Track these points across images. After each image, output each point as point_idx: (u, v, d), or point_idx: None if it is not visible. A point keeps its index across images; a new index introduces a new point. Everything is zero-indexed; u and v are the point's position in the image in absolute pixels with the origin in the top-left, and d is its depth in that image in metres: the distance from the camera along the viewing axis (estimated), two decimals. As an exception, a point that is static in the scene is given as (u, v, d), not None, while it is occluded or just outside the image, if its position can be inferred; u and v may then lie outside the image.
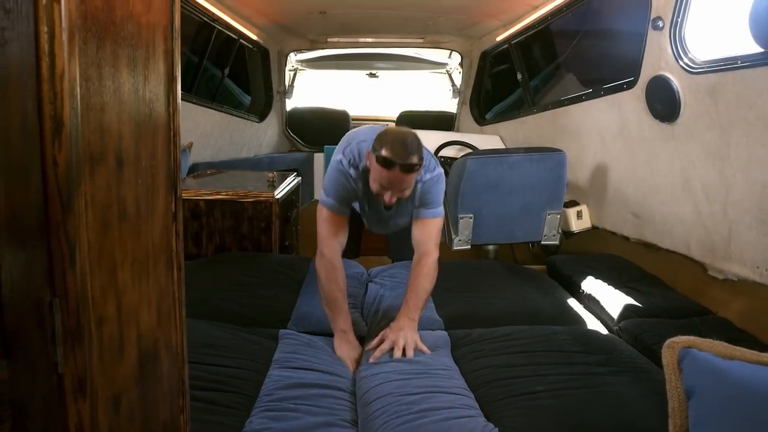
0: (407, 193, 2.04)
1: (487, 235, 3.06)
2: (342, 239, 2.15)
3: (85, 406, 0.69)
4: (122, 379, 0.81)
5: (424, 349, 1.86)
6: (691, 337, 1.04)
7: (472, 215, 3.01)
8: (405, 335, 1.87)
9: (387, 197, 2.01)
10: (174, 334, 1.00)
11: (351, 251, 2.87)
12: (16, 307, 0.59)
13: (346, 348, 1.93)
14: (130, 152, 0.82)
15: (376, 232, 2.65)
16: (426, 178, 2.14)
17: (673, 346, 1.04)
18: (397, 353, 1.81)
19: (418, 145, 1.99)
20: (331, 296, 2.02)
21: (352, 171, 2.16)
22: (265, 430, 1.37)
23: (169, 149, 0.96)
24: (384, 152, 1.92)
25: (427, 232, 2.14)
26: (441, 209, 2.17)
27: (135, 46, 0.82)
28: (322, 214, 2.14)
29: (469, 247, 3.10)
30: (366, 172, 2.13)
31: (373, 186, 2.04)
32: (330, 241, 2.10)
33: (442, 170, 2.22)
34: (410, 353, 1.82)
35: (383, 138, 1.98)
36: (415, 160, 1.94)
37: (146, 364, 0.89)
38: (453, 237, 3.06)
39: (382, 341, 1.89)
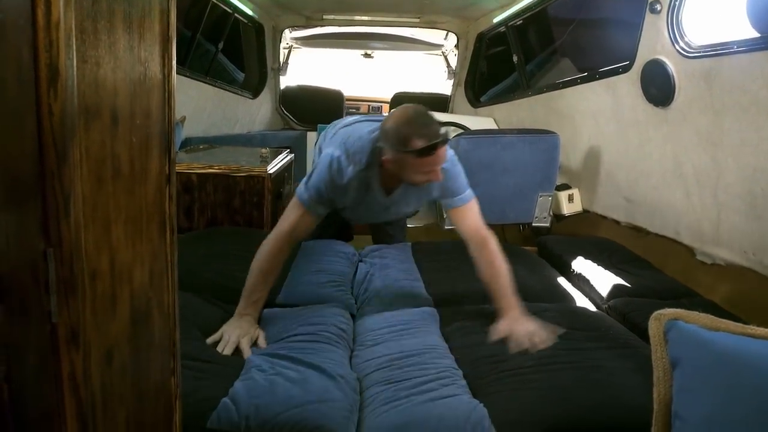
0: (424, 179, 1.95)
1: (483, 216, 3.07)
2: (298, 237, 2.05)
3: (78, 357, 0.69)
4: (115, 334, 0.82)
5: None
6: (678, 310, 1.06)
7: None
8: (534, 333, 1.73)
9: (434, 176, 1.92)
10: (166, 295, 1.01)
11: (346, 235, 2.88)
12: (11, 255, 0.59)
13: (235, 326, 1.76)
14: (125, 109, 0.82)
15: (367, 222, 2.63)
16: (446, 167, 2.00)
17: (659, 317, 1.06)
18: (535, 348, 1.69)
19: (428, 112, 1.93)
20: (254, 282, 1.90)
21: (350, 168, 2.02)
22: (247, 393, 1.39)
23: (163, 110, 0.95)
24: (416, 143, 1.82)
25: (472, 218, 2.07)
26: (470, 190, 2.10)
27: (131, 3, 0.81)
28: (294, 205, 2.02)
29: None
30: (368, 169, 2.04)
31: (415, 178, 1.95)
32: (284, 235, 1.97)
33: (452, 150, 2.13)
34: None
35: (401, 130, 1.87)
36: (441, 128, 1.87)
37: (138, 322, 0.90)
38: (444, 216, 3.07)
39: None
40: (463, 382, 1.55)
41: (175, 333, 1.07)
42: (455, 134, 3.14)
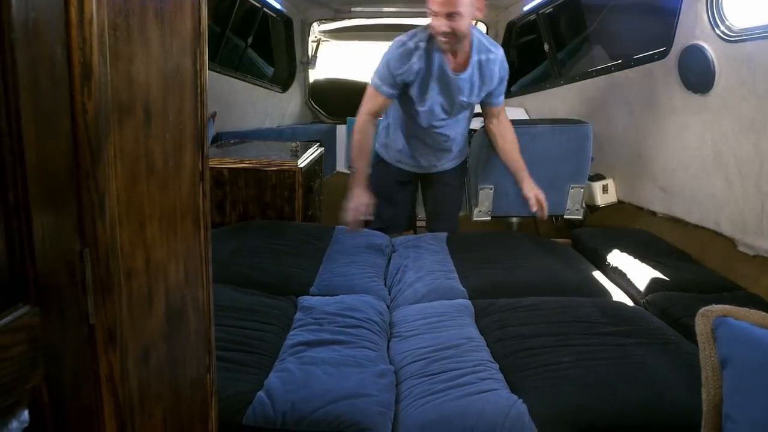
0: (462, 27, 2.26)
1: (508, 207, 3.01)
2: (374, 112, 2.52)
3: (115, 357, 0.69)
4: (151, 333, 0.82)
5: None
6: (727, 306, 1.02)
7: (492, 186, 2.97)
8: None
9: (440, 24, 2.25)
10: (201, 292, 1.01)
11: (403, 223, 2.90)
12: (48, 256, 0.59)
13: (356, 196, 2.42)
14: (158, 106, 0.81)
15: (425, 162, 2.80)
16: (499, 54, 2.51)
17: (707, 314, 1.01)
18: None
19: None
20: (355, 155, 2.53)
21: (413, 40, 2.40)
22: (282, 386, 1.39)
23: (195, 106, 0.95)
24: None
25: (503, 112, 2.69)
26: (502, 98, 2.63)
27: (163, -1, 0.81)
28: (367, 91, 2.52)
29: (490, 218, 3.07)
30: (429, 40, 2.39)
31: (436, 27, 2.28)
32: (363, 114, 2.51)
33: (502, 51, 2.56)
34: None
35: None
36: None
37: (174, 320, 0.90)
38: (473, 208, 3.03)
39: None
40: (500, 375, 1.53)
41: (210, 330, 1.06)
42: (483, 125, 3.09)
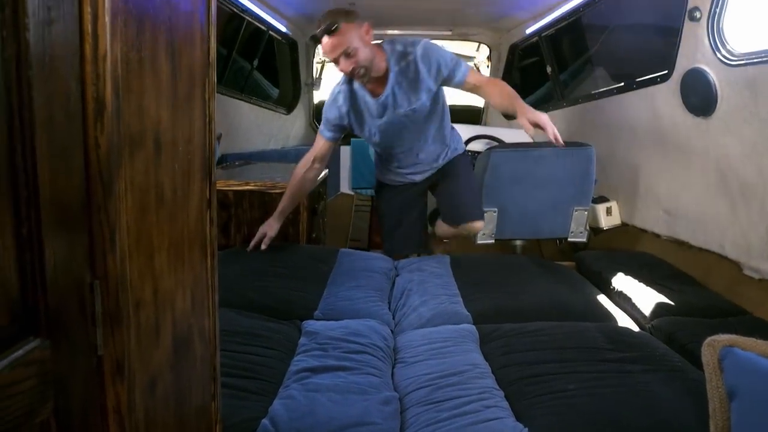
0: (362, 58, 2.33)
1: (511, 230, 3.02)
2: (318, 156, 2.63)
3: (122, 388, 0.69)
4: (158, 363, 0.82)
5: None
6: (733, 336, 1.01)
7: (496, 209, 2.98)
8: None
9: (343, 66, 2.35)
10: (207, 320, 1.01)
11: (414, 243, 2.96)
12: (59, 288, 0.59)
13: (271, 223, 2.59)
14: (168, 136, 0.82)
15: (405, 164, 2.84)
16: (416, 53, 2.46)
17: (713, 344, 1.01)
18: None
19: (343, 12, 2.36)
20: (284, 196, 2.64)
21: (338, 88, 2.57)
22: (287, 414, 1.38)
23: (204, 135, 0.96)
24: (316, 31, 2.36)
25: (479, 77, 2.69)
26: (464, 62, 2.53)
27: (172, 31, 0.82)
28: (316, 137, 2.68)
29: (493, 241, 3.07)
30: (348, 81, 2.53)
31: (340, 69, 2.41)
32: (305, 158, 2.65)
33: (425, 40, 2.53)
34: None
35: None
36: (331, 20, 2.28)
37: (180, 349, 0.90)
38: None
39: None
40: (505, 403, 1.51)
41: (216, 357, 1.06)
42: (487, 147, 3.11)
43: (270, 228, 2.59)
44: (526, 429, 1.35)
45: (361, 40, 2.34)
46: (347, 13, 2.34)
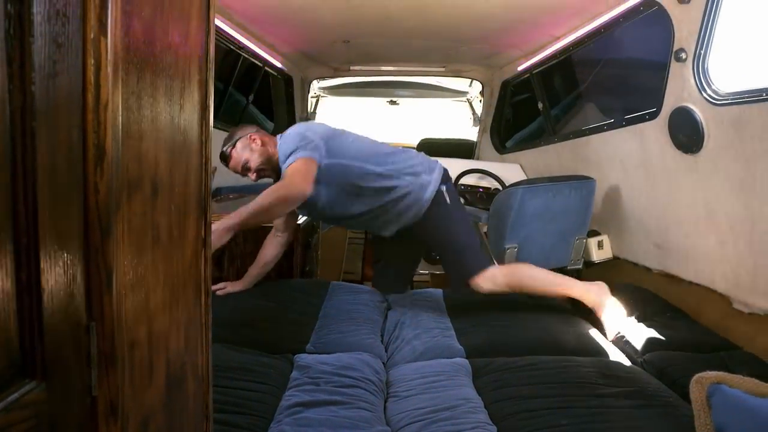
0: (255, 164, 2.47)
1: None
2: (277, 225, 2.69)
3: (116, 428, 0.70)
4: (151, 402, 0.82)
5: None
6: (720, 373, 1.03)
7: (516, 245, 2.98)
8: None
9: (250, 177, 2.52)
10: (200, 358, 1.01)
11: (401, 283, 2.88)
12: (56, 331, 0.61)
13: (236, 283, 2.61)
14: (165, 179, 0.84)
15: (353, 225, 2.99)
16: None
17: (701, 381, 1.02)
18: None
19: (229, 137, 2.54)
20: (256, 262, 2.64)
21: None
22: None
23: (200, 175, 0.98)
24: None
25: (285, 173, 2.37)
26: (291, 158, 2.34)
27: (172, 77, 0.85)
28: None
29: None
30: None
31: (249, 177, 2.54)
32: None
33: (299, 126, 2.52)
34: None
35: None
36: (221, 151, 2.53)
37: (173, 388, 0.90)
38: None
39: None
40: (498, 440, 1.51)
41: (208, 394, 1.06)
42: (511, 184, 3.10)
43: (234, 286, 2.60)
44: (519, 465, 1.35)
45: (249, 149, 2.48)
46: (231, 136, 2.53)
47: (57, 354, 0.61)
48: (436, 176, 2.56)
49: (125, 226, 0.71)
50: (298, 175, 2.24)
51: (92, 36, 0.62)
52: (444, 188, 2.56)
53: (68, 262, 0.62)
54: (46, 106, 0.57)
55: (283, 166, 2.33)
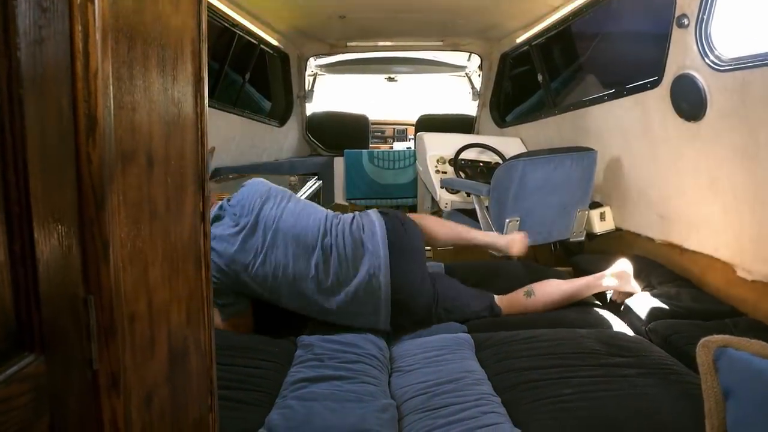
0: None
1: (529, 236, 3.02)
2: None
3: (119, 402, 0.69)
4: (153, 376, 0.82)
5: None
6: (727, 336, 1.02)
7: (518, 218, 2.97)
8: None
9: None
10: (203, 333, 1.01)
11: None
12: (52, 303, 0.60)
13: None
14: (160, 151, 0.83)
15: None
16: None
17: (708, 345, 1.02)
18: None
19: None
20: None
21: None
22: (284, 423, 1.37)
23: (196, 149, 0.96)
24: None
25: None
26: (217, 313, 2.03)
27: (164, 47, 0.83)
28: None
29: None
30: None
31: None
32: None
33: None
34: None
35: None
36: None
37: (176, 362, 0.90)
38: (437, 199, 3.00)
39: None
40: (502, 409, 1.52)
41: (212, 370, 1.06)
42: (511, 157, 3.09)
43: None
44: (523, 434, 1.35)
45: None
46: None
47: (55, 326, 0.60)
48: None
49: (120, 198, 0.70)
50: (239, 330, 2.03)
51: (79, 1, 0.60)
52: None
53: (63, 233, 0.61)
54: (33, 74, 0.55)
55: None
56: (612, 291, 2.42)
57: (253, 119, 4.62)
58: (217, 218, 2.06)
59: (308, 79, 5.59)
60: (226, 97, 4.24)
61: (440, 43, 5.06)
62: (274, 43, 4.58)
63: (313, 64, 5.60)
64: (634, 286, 2.40)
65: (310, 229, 2.01)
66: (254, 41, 4.25)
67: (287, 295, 1.96)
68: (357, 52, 5.36)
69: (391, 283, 1.96)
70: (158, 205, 0.82)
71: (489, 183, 3.04)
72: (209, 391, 1.05)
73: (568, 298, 2.30)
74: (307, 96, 5.50)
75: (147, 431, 0.80)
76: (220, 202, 2.14)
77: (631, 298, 2.39)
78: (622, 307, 2.39)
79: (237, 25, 3.81)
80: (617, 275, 2.38)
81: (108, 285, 0.66)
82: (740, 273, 2.47)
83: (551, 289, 2.29)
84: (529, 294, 2.26)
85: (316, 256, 1.95)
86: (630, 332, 2.13)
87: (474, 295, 2.24)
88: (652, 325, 2.14)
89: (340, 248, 1.98)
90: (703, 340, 1.01)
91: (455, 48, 5.15)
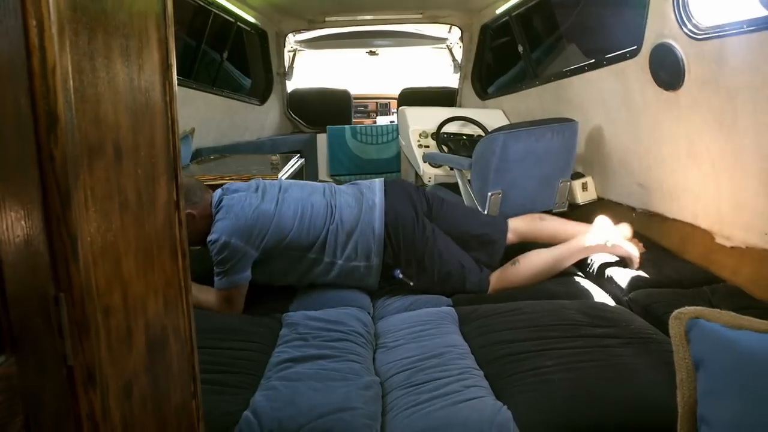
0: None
1: (512, 209, 3.02)
2: None
3: (95, 396, 0.70)
4: (132, 367, 0.82)
5: None
6: (699, 308, 1.04)
7: (500, 191, 2.97)
8: None
9: None
10: (182, 321, 1.01)
11: None
12: (21, 302, 0.60)
13: None
14: (128, 142, 0.82)
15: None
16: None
17: (680, 317, 1.04)
18: None
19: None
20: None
21: None
22: (268, 404, 1.39)
23: (167, 137, 0.95)
24: None
25: None
26: (218, 281, 2.09)
27: (128, 36, 0.81)
28: None
29: None
30: None
31: None
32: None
33: (215, 233, 2.07)
34: None
35: None
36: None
37: (155, 352, 0.90)
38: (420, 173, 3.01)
39: None
40: (485, 383, 1.54)
41: (193, 356, 1.07)
42: (493, 130, 3.08)
43: None
44: (505, 406, 1.38)
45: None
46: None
47: (25, 326, 0.60)
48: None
49: (88, 192, 0.69)
50: (229, 308, 2.07)
51: (31, -5, 0.59)
52: None
53: (29, 233, 0.60)
54: (-14, 72, 0.54)
55: (214, 273, 2.09)
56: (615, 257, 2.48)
57: (233, 98, 4.56)
58: (221, 199, 2.17)
59: (288, 56, 5.52)
60: (205, 76, 4.19)
61: (419, 16, 5.01)
62: (251, 20, 4.51)
63: (292, 40, 5.52)
64: (624, 242, 2.44)
65: (314, 185, 2.35)
66: (230, 19, 4.18)
67: (306, 234, 2.13)
68: (336, 27, 5.29)
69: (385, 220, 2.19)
70: (129, 197, 0.82)
71: (471, 156, 3.04)
72: (191, 377, 1.06)
73: (553, 264, 2.35)
74: (287, 73, 5.44)
75: (128, 421, 0.81)
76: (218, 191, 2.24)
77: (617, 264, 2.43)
78: (606, 275, 2.42)
79: (213, 2, 3.73)
80: (595, 230, 2.45)
81: (78, 281, 0.66)
82: (719, 240, 2.51)
83: (535, 256, 2.35)
84: (514, 263, 2.31)
85: (325, 193, 2.26)
86: (612, 302, 2.17)
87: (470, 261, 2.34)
88: (632, 295, 2.17)
89: (343, 193, 2.29)
90: (675, 312, 1.03)
91: (434, 20, 5.09)
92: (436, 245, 2.24)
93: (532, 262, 2.32)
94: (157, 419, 0.92)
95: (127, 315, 0.81)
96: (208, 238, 2.05)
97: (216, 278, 2.06)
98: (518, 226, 2.56)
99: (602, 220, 2.50)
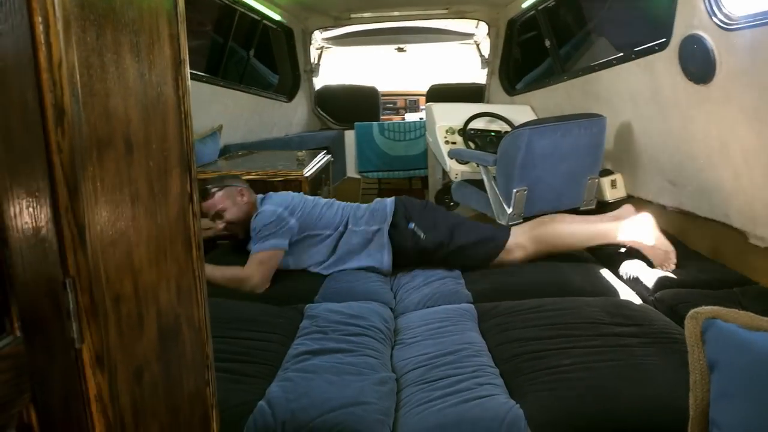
0: (227, 216, 2.45)
1: (538, 205, 2.98)
2: None
3: (104, 378, 0.72)
4: (143, 353, 0.85)
5: None
6: (716, 307, 1.01)
7: (526, 188, 2.95)
8: None
9: (217, 225, 2.51)
10: (196, 310, 1.04)
11: None
12: (29, 286, 0.62)
13: None
14: (140, 135, 0.84)
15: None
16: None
17: (696, 316, 1.01)
18: None
19: (222, 179, 2.54)
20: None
21: None
22: (284, 395, 1.41)
23: (180, 131, 0.98)
24: None
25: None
26: (260, 241, 2.32)
27: (138, 32, 0.83)
28: None
29: (522, 221, 3.03)
30: None
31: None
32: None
33: (265, 208, 2.42)
34: None
35: None
36: (207, 187, 2.47)
37: (168, 339, 0.93)
38: (506, 211, 2.97)
39: None
40: (500, 380, 1.53)
41: (207, 345, 1.09)
42: (518, 125, 3.06)
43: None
44: (517, 405, 1.37)
45: (233, 200, 2.47)
46: (221, 179, 2.53)
47: (33, 308, 0.63)
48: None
49: (98, 183, 0.72)
50: (258, 272, 2.26)
51: (36, -7, 0.61)
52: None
53: (37, 221, 0.63)
54: (-7, 67, 0.57)
55: (254, 244, 2.34)
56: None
57: (261, 95, 4.62)
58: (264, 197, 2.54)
59: (315, 53, 5.55)
60: (233, 74, 4.25)
61: (445, 11, 4.98)
62: (277, 18, 4.55)
63: (318, 37, 5.55)
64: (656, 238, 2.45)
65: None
66: (257, 17, 4.23)
67: (332, 216, 2.49)
68: (361, 23, 5.30)
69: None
70: (141, 189, 0.84)
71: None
72: (205, 366, 1.08)
73: (580, 234, 2.52)
74: (314, 70, 5.47)
75: (138, 405, 0.83)
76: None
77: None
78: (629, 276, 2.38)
79: (238, 1, 3.78)
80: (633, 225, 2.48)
81: (86, 268, 0.69)
82: (752, 240, 2.44)
83: (563, 220, 2.58)
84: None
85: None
86: (638, 300, 2.13)
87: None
88: (658, 295, 2.13)
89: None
90: (691, 311, 1.01)
91: (461, 15, 5.05)
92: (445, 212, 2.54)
93: (565, 220, 2.53)
94: (169, 405, 0.95)
95: (138, 303, 0.83)
96: (260, 210, 2.38)
97: (257, 243, 2.30)
98: (523, 241, 2.55)
99: (643, 216, 2.52)
